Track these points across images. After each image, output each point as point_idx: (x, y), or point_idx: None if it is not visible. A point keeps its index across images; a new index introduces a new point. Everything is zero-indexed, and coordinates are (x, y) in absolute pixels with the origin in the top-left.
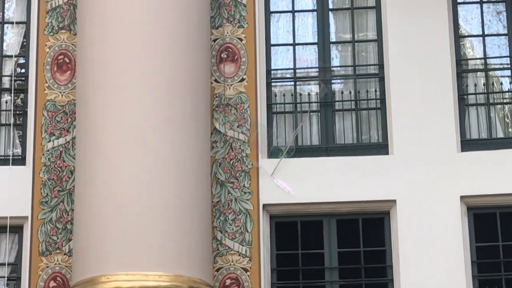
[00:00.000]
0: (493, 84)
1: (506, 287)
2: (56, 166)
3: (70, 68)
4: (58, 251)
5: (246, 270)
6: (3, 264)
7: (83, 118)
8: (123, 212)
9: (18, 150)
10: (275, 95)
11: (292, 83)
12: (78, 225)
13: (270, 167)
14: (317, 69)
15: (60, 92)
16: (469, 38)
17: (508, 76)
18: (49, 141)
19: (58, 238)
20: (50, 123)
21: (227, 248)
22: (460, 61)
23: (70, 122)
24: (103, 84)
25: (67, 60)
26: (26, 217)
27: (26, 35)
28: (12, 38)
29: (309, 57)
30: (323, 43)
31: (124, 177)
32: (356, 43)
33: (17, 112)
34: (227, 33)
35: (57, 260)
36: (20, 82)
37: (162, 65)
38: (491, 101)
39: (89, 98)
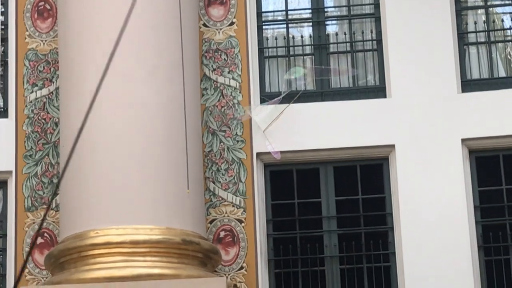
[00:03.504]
0: (494, 22)
1: (510, 232)
2: (40, 118)
3: (52, 15)
4: (44, 206)
5: (240, 221)
6: None
7: (67, 67)
8: (111, 164)
9: (0, 102)
10: (267, 39)
11: (284, 25)
12: (64, 179)
13: (263, 113)
14: (310, 11)
15: (42, 41)
16: None
17: (509, 13)
18: (32, 92)
19: (44, 193)
20: (32, 73)
21: (220, 199)
22: None
23: (53, 72)
24: (87, 31)
25: (48, 7)
26: (10, 172)
27: None
28: None
29: None
30: None
31: (111, 128)
32: None
33: None
34: None
35: None
36: (0, 30)
37: (147, 10)
38: (492, 39)
39: (72, 46)
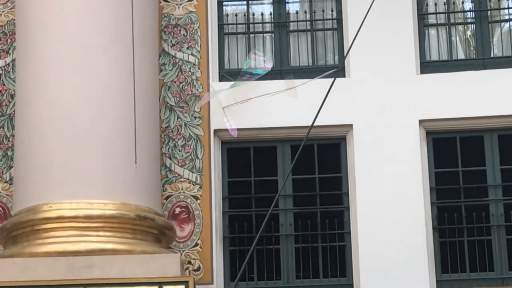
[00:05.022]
0: (454, 4)
1: (465, 214)
2: None
3: None
4: None
5: (196, 198)
6: None
7: (24, 39)
8: (66, 137)
9: None
10: (227, 15)
11: (245, 2)
12: (19, 152)
13: (224, 91)
14: None
15: None
16: None
17: None
18: None
19: None
20: None
21: (176, 175)
22: None
23: (9, 43)
24: (45, 3)
25: None
26: None
27: None
28: None
29: None
30: None
31: (67, 102)
32: None
33: None
34: None
35: None
36: None
37: None
38: (452, 21)
39: (29, 18)
